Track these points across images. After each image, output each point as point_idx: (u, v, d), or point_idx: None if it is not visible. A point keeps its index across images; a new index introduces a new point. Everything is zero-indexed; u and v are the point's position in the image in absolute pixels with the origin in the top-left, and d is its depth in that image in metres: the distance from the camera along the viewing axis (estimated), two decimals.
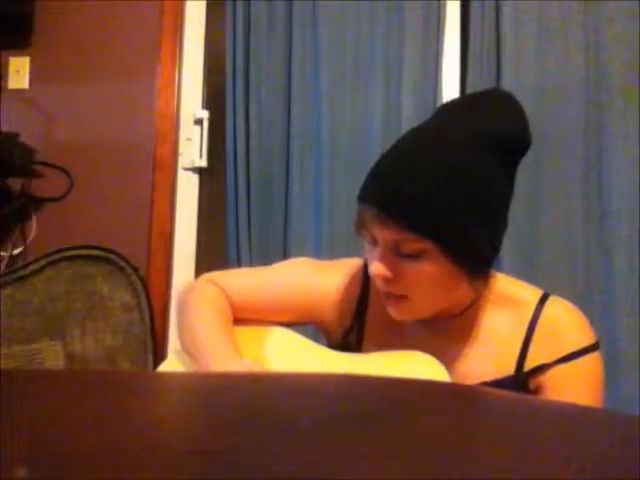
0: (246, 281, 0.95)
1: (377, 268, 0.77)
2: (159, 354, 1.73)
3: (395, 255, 0.77)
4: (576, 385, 0.81)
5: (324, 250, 1.88)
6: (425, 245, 0.74)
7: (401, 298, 0.79)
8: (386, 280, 0.78)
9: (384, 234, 0.76)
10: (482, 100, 0.80)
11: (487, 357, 0.85)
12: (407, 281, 0.77)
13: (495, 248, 0.79)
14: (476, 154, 0.74)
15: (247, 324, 0.92)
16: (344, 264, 0.95)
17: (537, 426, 0.31)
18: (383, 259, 0.77)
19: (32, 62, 2.13)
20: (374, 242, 0.78)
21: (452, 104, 0.82)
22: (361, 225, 0.79)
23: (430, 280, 0.77)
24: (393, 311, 0.81)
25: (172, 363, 0.93)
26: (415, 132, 0.79)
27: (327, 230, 1.91)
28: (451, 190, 0.73)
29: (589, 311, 0.85)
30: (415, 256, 0.75)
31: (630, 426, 0.32)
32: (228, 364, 0.80)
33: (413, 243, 0.74)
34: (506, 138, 0.75)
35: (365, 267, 0.91)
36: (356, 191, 0.79)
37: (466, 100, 0.81)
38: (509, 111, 0.78)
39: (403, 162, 0.75)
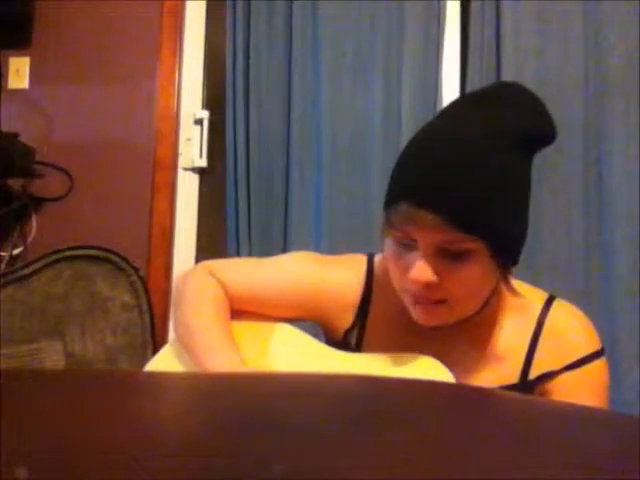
0: (246, 273, 0.92)
1: (421, 272, 0.72)
2: None
3: (438, 258, 0.72)
4: (584, 392, 0.80)
5: (324, 250, 1.88)
6: (474, 245, 0.70)
7: (438, 303, 0.75)
8: (428, 285, 0.73)
9: (429, 235, 0.71)
10: (508, 95, 0.77)
11: (492, 363, 0.83)
12: (449, 284, 0.73)
13: (524, 244, 0.77)
14: (516, 150, 0.73)
15: (245, 318, 0.90)
16: (347, 260, 0.92)
17: (540, 427, 0.31)
18: (426, 262, 0.72)
19: (32, 62, 2.13)
20: (410, 245, 0.74)
21: (479, 96, 0.78)
22: (394, 226, 0.74)
23: (473, 280, 0.74)
24: (424, 317, 0.77)
25: (166, 355, 0.90)
26: (452, 123, 0.75)
27: (327, 230, 1.90)
28: (499, 188, 0.71)
29: (589, 311, 0.85)
30: (460, 257, 0.71)
31: (630, 426, 0.32)
32: (225, 362, 0.78)
33: (462, 243, 0.70)
34: (537, 133, 0.75)
35: (369, 264, 0.89)
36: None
37: (494, 93, 0.77)
38: (534, 106, 0.77)
39: (447, 158, 0.71)
